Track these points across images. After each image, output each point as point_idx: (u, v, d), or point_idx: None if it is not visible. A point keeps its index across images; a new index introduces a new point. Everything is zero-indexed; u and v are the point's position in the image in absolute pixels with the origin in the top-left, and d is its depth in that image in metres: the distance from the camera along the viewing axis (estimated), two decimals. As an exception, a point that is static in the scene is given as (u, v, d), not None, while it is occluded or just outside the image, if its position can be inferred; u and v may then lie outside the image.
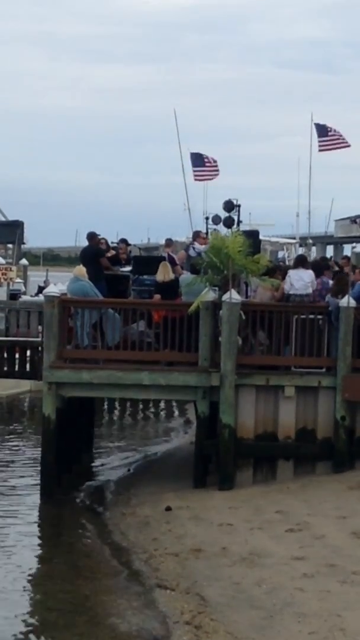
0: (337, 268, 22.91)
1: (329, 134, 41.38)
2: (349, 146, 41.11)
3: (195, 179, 40.25)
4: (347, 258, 27.50)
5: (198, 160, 39.95)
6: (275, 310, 18.82)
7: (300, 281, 19.16)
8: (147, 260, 24.20)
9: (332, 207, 68.99)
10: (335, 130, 41.19)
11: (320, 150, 42.26)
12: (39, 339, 29.35)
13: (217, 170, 39.74)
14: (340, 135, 40.86)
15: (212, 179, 40.55)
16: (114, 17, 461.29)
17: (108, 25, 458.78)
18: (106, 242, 24.13)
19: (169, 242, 24.09)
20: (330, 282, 19.69)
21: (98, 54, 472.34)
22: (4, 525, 17.21)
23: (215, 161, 39.22)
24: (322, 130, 41.81)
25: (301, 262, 20.03)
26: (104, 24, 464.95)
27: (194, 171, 39.42)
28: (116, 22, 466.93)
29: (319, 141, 41.64)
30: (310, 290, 19.15)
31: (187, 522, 16.09)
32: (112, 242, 25.99)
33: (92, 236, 21.70)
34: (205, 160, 39.47)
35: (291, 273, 19.45)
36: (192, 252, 21.59)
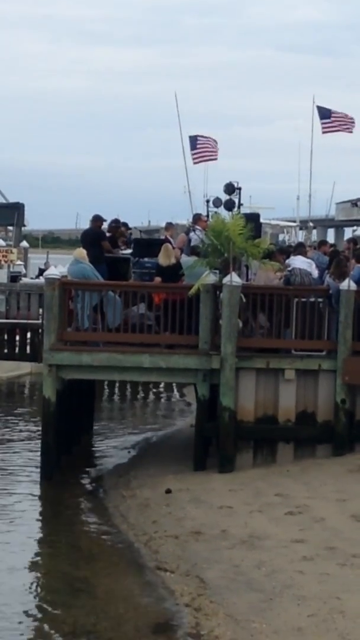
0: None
1: (332, 116, 41.26)
2: (353, 125, 40.89)
3: (194, 162, 40.14)
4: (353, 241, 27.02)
5: (194, 142, 39.86)
6: (275, 293, 18.80)
7: (303, 260, 19.38)
8: (148, 243, 24.15)
9: (333, 190, 68.92)
10: (338, 113, 41.08)
11: (324, 132, 42.10)
12: (40, 322, 29.35)
13: (215, 152, 39.54)
14: (346, 115, 40.71)
15: (209, 160, 40.37)
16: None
17: (108, 8, 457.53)
18: (126, 225, 24.35)
19: (169, 226, 24.03)
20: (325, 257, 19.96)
21: (98, 37, 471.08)
22: (4, 506, 17.23)
23: (215, 142, 39.07)
24: (325, 113, 41.69)
25: (300, 250, 20.39)
26: (104, 6, 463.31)
27: (192, 154, 39.35)
28: (116, 4, 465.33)
29: (322, 123, 41.47)
30: (313, 271, 19.19)
31: (187, 504, 16.10)
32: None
33: (96, 219, 21.61)
34: (198, 143, 39.35)
35: (294, 257, 19.64)
36: (193, 237, 21.43)
